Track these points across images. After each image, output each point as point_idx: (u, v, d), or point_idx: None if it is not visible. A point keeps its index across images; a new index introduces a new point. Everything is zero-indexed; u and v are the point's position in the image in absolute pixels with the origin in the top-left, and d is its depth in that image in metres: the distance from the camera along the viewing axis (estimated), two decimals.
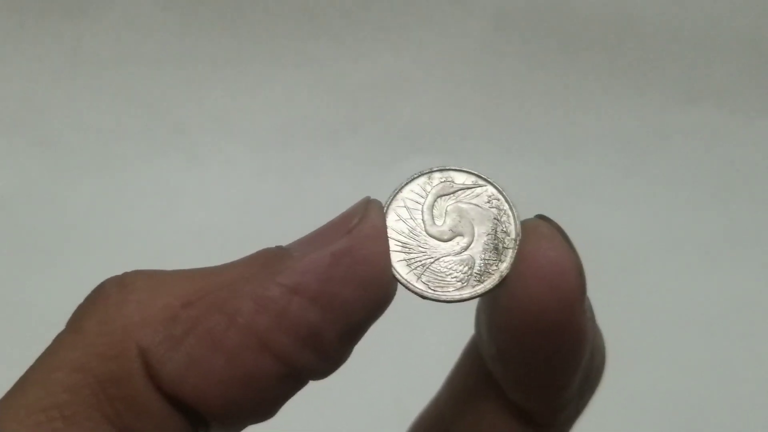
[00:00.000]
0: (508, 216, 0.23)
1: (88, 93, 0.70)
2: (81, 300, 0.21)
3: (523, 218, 0.23)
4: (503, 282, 0.22)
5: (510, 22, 0.72)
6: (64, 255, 0.62)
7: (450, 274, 0.23)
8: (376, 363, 0.48)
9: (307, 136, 0.69)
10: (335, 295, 0.20)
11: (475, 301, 0.24)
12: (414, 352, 0.55)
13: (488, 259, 0.23)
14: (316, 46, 0.71)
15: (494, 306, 0.23)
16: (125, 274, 0.21)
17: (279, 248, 0.21)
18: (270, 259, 0.21)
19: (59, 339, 0.20)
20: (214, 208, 0.66)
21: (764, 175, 0.70)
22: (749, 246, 0.67)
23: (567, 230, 0.24)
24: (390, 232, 0.22)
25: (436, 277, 0.23)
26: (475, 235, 0.23)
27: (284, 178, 0.67)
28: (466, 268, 0.23)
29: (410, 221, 0.23)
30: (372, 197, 0.22)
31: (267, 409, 0.21)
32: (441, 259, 0.23)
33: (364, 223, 0.21)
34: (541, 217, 0.23)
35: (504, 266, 0.22)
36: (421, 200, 0.23)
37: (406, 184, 0.24)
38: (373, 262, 0.21)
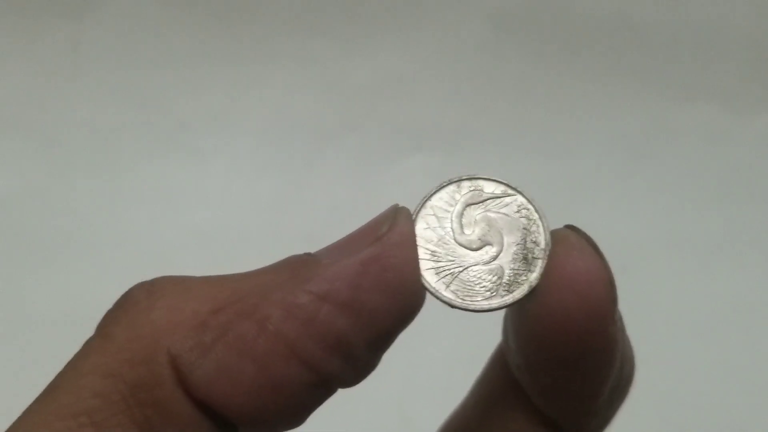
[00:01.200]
0: (538, 226, 0.23)
1: (89, 91, 0.70)
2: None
3: (552, 228, 0.23)
4: (533, 292, 0.22)
5: (510, 21, 0.71)
6: (66, 254, 0.62)
7: (479, 283, 0.23)
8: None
9: (309, 134, 0.69)
10: (364, 302, 0.20)
11: (503, 311, 0.23)
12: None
13: (517, 269, 0.23)
14: (318, 44, 0.71)
15: (522, 316, 0.23)
16: (154, 280, 0.21)
17: (307, 255, 0.21)
18: (299, 266, 0.21)
19: (88, 345, 0.20)
20: (216, 206, 0.66)
21: (764, 175, 0.71)
22: (750, 245, 0.68)
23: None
24: (419, 240, 0.22)
25: (464, 286, 0.23)
26: (504, 244, 0.23)
27: (286, 175, 0.67)
28: (495, 277, 0.23)
29: (439, 230, 0.23)
30: (400, 204, 0.22)
31: (296, 417, 0.21)
32: (470, 269, 0.23)
33: (393, 230, 0.21)
34: (570, 227, 0.23)
35: (534, 276, 0.22)
36: (450, 209, 0.23)
37: (435, 192, 0.24)
38: (402, 270, 0.21)
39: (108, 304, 0.21)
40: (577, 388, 0.23)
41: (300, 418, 0.21)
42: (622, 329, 0.23)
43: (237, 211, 0.65)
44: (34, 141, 0.68)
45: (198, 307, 0.20)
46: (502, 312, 0.24)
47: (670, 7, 0.71)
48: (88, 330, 0.20)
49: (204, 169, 0.67)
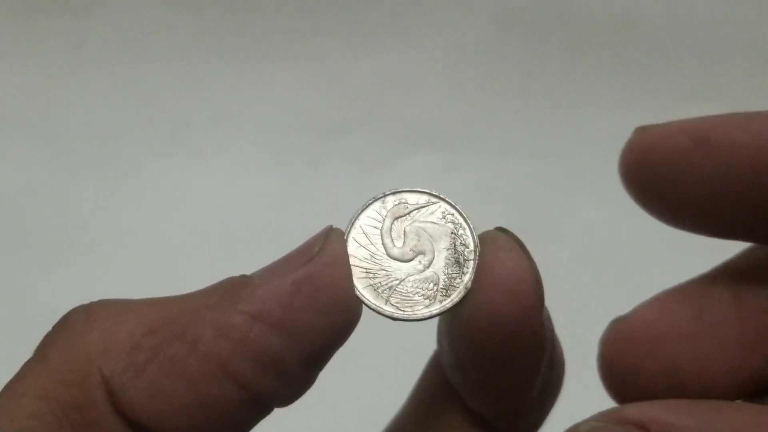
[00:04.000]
0: (465, 229, 0.24)
1: (92, 90, 0.70)
2: (84, 299, 0.22)
3: (479, 231, 0.24)
4: (468, 293, 0.23)
5: (512, 21, 0.71)
6: (68, 253, 0.63)
7: (417, 292, 0.23)
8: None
9: (311, 133, 0.69)
10: (296, 321, 0.21)
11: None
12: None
13: (451, 274, 0.23)
14: (321, 44, 0.72)
15: (454, 316, 0.23)
16: (91, 303, 0.21)
17: (242, 277, 0.22)
18: (232, 287, 0.21)
19: (26, 366, 0.20)
20: (218, 205, 0.66)
21: None
22: (749, 245, 0.67)
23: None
24: (352, 260, 0.23)
25: (403, 297, 0.23)
26: (436, 251, 0.24)
27: (289, 174, 0.68)
28: (432, 284, 0.23)
29: (371, 246, 0.24)
30: (334, 226, 0.23)
31: None
32: (406, 280, 0.23)
33: (324, 251, 0.21)
34: (499, 229, 0.23)
35: (467, 278, 0.23)
36: (379, 225, 0.24)
37: (361, 211, 0.24)
38: (334, 289, 0.21)
39: None
40: (506, 386, 0.24)
41: None
42: (551, 329, 0.24)
43: (239, 210, 0.65)
44: (38, 139, 0.68)
45: (133, 329, 0.20)
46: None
47: (671, 7, 0.70)
48: None
49: (207, 169, 0.68)
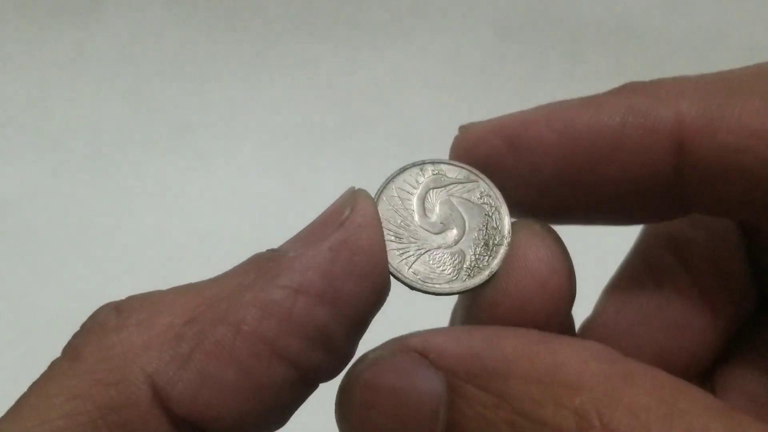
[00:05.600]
0: (499, 213, 0.23)
1: (93, 93, 0.68)
2: (84, 300, 0.21)
3: (514, 218, 0.23)
4: (493, 277, 0.22)
5: (512, 27, 0.72)
6: (70, 256, 0.60)
7: (440, 266, 0.23)
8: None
9: (312, 136, 0.68)
10: (339, 289, 0.20)
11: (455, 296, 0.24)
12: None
13: (479, 254, 0.23)
14: (322, 48, 0.71)
15: (474, 298, 0.23)
16: (119, 301, 0.20)
17: (272, 251, 0.21)
18: (266, 263, 0.20)
19: (55, 366, 0.19)
20: (218, 207, 0.65)
21: None
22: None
23: (570, 231, 0.24)
24: (382, 222, 0.22)
25: (426, 268, 0.22)
26: (466, 229, 0.23)
27: (288, 176, 0.67)
28: (457, 261, 0.23)
29: (402, 211, 0.23)
30: (357, 187, 0.22)
31: (280, 418, 0.21)
32: (432, 251, 0.23)
33: (356, 212, 0.21)
34: (534, 220, 0.23)
35: (495, 262, 0.22)
36: (413, 191, 0.23)
37: (398, 174, 0.24)
38: (371, 251, 0.20)
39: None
40: None
41: (283, 419, 0.21)
42: (572, 328, 0.24)
43: (239, 212, 0.64)
44: (38, 143, 0.66)
45: (171, 320, 0.19)
46: (454, 297, 0.24)
47: (671, 14, 0.72)
48: None
49: (207, 171, 0.66)
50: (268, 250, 0.21)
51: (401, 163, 0.24)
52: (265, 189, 0.65)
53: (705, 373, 0.26)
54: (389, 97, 0.69)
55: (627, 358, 0.19)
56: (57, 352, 0.20)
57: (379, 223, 0.21)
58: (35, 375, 0.20)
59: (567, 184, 0.22)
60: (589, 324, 0.26)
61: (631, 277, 0.26)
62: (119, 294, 0.21)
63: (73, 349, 0.19)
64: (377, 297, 0.21)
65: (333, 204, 0.21)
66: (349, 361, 0.21)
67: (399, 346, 0.21)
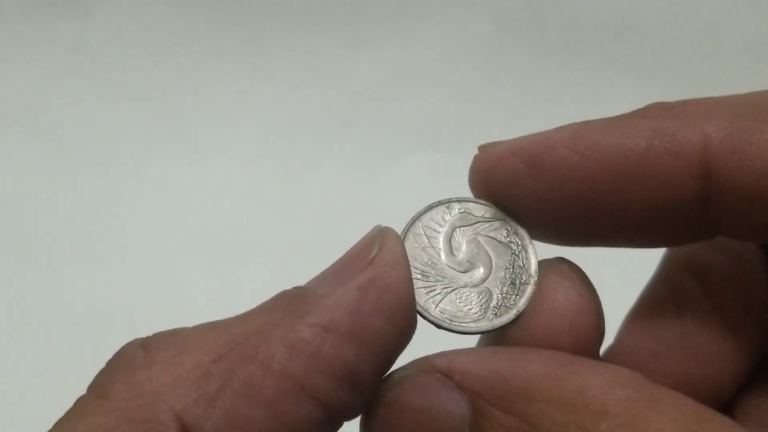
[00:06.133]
0: (527, 252, 0.23)
1: (92, 89, 0.69)
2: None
3: (541, 257, 0.23)
4: (520, 316, 0.22)
5: (512, 21, 0.72)
6: (67, 252, 0.60)
7: (467, 305, 0.23)
8: None
9: (311, 132, 0.68)
10: (367, 328, 0.20)
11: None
12: None
13: (506, 293, 0.23)
14: (321, 42, 0.71)
15: (500, 337, 0.23)
16: (147, 338, 0.20)
17: (299, 288, 0.21)
18: (294, 300, 0.20)
19: (83, 403, 0.19)
20: (217, 204, 0.65)
21: None
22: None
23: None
24: (409, 260, 0.22)
25: (453, 307, 0.22)
26: (493, 268, 0.23)
27: (288, 173, 0.67)
28: (484, 300, 0.23)
29: (429, 249, 0.23)
30: (384, 225, 0.22)
31: None
32: (458, 290, 0.23)
33: (384, 251, 0.21)
34: (561, 259, 0.23)
35: (522, 301, 0.22)
36: (440, 229, 0.23)
37: (426, 211, 0.24)
38: (399, 290, 0.20)
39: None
40: None
41: None
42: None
43: (238, 208, 0.64)
44: (37, 139, 0.66)
45: (199, 357, 0.19)
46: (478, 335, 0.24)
47: (670, 7, 0.71)
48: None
49: (206, 167, 0.66)
50: (294, 287, 0.21)
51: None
52: (265, 184, 0.65)
53: (728, 400, 0.25)
54: (389, 91, 0.69)
55: (653, 384, 0.19)
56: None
57: (407, 261, 0.21)
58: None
59: (589, 207, 0.22)
60: (610, 351, 0.26)
61: (653, 303, 0.26)
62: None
63: (101, 386, 0.19)
64: (404, 335, 0.21)
65: (360, 241, 0.21)
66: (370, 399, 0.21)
67: (424, 366, 0.21)
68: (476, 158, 0.23)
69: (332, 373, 0.19)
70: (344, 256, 0.21)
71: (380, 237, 0.21)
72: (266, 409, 0.19)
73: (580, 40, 0.71)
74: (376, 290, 0.20)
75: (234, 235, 0.59)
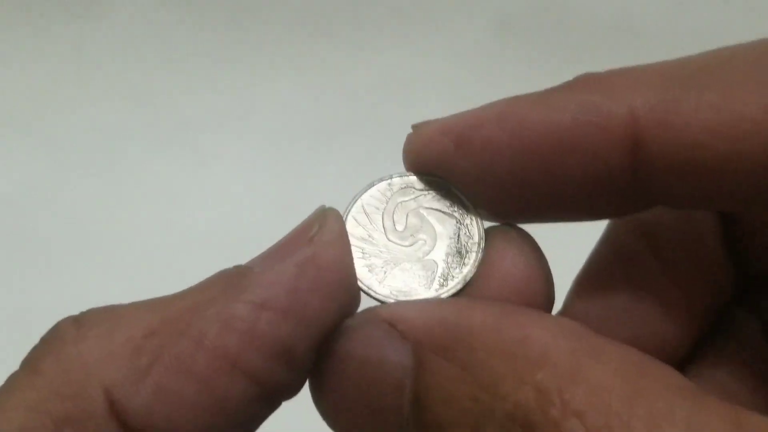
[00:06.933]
0: (471, 220, 0.23)
1: (92, 91, 0.69)
2: (84, 301, 0.21)
3: (488, 225, 0.23)
4: (467, 286, 0.22)
5: (511, 24, 0.72)
6: (68, 254, 0.61)
7: (412, 278, 0.22)
8: None
9: (311, 134, 0.68)
10: (304, 305, 0.20)
11: None
12: None
13: (451, 263, 0.22)
14: (321, 45, 0.71)
15: None
16: (81, 313, 0.20)
17: (238, 267, 0.21)
18: (232, 278, 0.20)
19: (13, 379, 0.19)
20: (218, 206, 0.65)
21: None
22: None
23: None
24: (350, 239, 0.22)
25: (398, 282, 0.22)
26: (437, 239, 0.23)
27: (289, 175, 0.67)
28: (429, 272, 0.22)
29: (369, 226, 0.23)
30: (327, 206, 0.22)
31: None
32: (402, 264, 0.22)
33: (324, 230, 0.21)
34: (510, 225, 0.23)
35: (467, 269, 0.22)
36: (381, 206, 0.23)
37: (366, 190, 0.24)
38: (338, 268, 0.20)
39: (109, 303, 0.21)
40: None
41: None
42: None
43: (239, 211, 0.64)
44: (38, 141, 0.67)
45: (131, 333, 0.19)
46: None
47: (671, 11, 0.71)
48: None
49: (206, 169, 0.66)
50: (235, 266, 0.21)
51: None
52: (267, 187, 0.66)
53: (680, 365, 0.25)
54: (391, 95, 0.69)
55: (597, 335, 0.18)
56: None
57: (347, 239, 0.21)
58: None
59: (521, 184, 0.22)
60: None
61: (600, 267, 0.25)
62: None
63: (31, 362, 0.19)
64: (346, 313, 0.21)
65: (302, 222, 0.21)
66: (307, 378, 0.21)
67: (370, 316, 0.20)
68: (408, 137, 0.23)
69: (267, 350, 0.19)
70: (286, 235, 0.21)
71: (321, 217, 0.21)
72: (198, 385, 0.19)
73: (581, 44, 0.71)
74: (314, 268, 0.20)
75: (236, 237, 0.59)
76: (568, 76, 0.23)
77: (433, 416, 0.18)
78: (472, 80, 0.71)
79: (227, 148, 0.68)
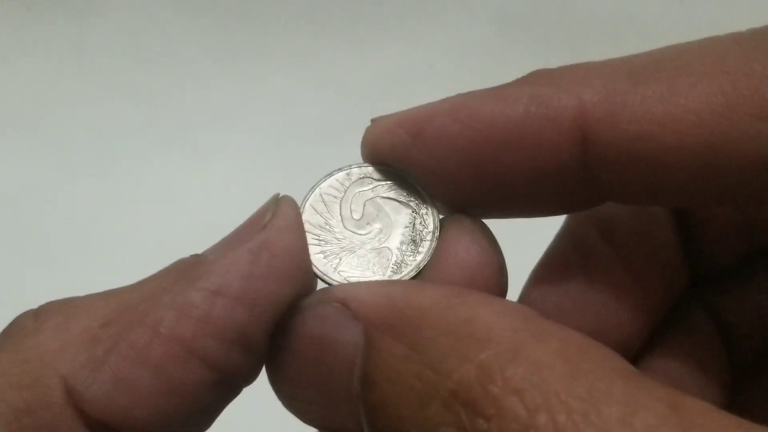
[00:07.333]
0: (427, 210, 0.23)
1: (92, 90, 0.69)
2: None
3: (445, 215, 0.23)
4: (420, 273, 0.22)
5: (513, 21, 0.72)
6: (67, 252, 0.61)
7: (367, 265, 0.23)
8: None
9: (311, 133, 0.68)
10: (258, 290, 0.20)
11: None
12: None
13: (406, 251, 0.23)
14: (321, 42, 0.71)
15: None
16: (39, 306, 0.20)
17: (194, 256, 0.21)
18: (186, 266, 0.20)
19: None
20: (217, 205, 0.65)
21: None
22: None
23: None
24: (307, 226, 0.22)
25: (352, 269, 0.23)
26: (393, 227, 0.23)
27: (289, 173, 0.67)
28: (384, 259, 0.23)
29: (326, 214, 0.23)
30: (281, 194, 0.22)
31: (201, 421, 0.21)
32: (358, 251, 0.23)
33: (277, 216, 0.21)
34: (464, 214, 0.23)
35: (421, 257, 0.23)
36: (339, 195, 0.24)
37: (325, 179, 0.24)
38: (291, 253, 0.20)
39: None
40: None
41: (205, 423, 0.21)
42: None
43: (240, 209, 0.64)
44: (38, 139, 0.67)
45: (88, 323, 0.19)
46: None
47: (671, 7, 0.71)
48: None
49: (206, 168, 0.66)
50: (191, 255, 0.21)
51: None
52: (268, 185, 0.65)
53: (634, 356, 0.25)
54: (391, 92, 0.69)
55: (542, 317, 0.19)
56: None
57: (301, 226, 0.21)
58: None
59: (474, 177, 0.22)
60: None
61: (557, 258, 0.26)
62: None
63: None
64: (298, 299, 0.21)
65: (257, 210, 0.22)
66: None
67: (324, 296, 0.21)
68: (367, 129, 0.24)
69: (222, 337, 0.19)
70: (241, 224, 0.22)
71: (275, 204, 0.21)
72: (154, 372, 0.19)
73: (582, 41, 0.71)
74: (267, 254, 0.20)
75: None
76: None
77: (379, 394, 0.18)
78: (472, 77, 0.71)
79: (228, 145, 0.67)
